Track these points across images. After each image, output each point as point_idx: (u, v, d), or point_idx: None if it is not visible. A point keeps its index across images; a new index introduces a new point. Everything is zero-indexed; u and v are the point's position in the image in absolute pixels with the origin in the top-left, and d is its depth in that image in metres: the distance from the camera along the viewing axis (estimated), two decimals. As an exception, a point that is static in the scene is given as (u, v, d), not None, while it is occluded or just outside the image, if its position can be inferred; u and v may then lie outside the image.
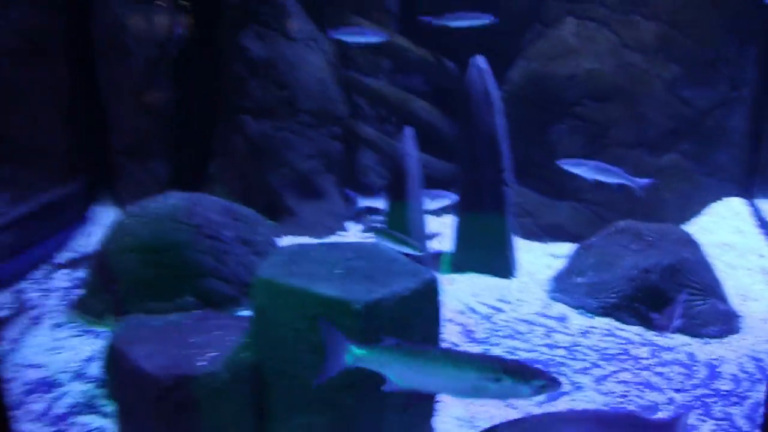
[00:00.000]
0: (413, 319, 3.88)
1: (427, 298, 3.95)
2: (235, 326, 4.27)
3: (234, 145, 7.54)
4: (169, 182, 7.57)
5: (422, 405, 4.07)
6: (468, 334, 5.40)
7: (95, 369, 4.57)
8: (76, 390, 4.35)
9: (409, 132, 6.41)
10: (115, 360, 3.98)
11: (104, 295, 5.32)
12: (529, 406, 4.41)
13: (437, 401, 4.16)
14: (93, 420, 4.07)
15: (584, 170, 6.49)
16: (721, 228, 7.33)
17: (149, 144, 7.69)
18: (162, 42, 7.67)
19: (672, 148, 7.60)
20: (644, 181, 6.31)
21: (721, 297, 5.61)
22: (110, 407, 4.18)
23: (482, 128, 6.47)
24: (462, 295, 6.08)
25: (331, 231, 7.57)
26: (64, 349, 4.85)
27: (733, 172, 7.75)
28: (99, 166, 7.65)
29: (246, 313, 5.51)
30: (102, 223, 7.16)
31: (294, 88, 7.62)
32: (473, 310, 5.83)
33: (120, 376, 3.91)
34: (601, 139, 7.63)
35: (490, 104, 6.45)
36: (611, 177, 6.37)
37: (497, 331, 5.49)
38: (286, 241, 7.17)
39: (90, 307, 5.34)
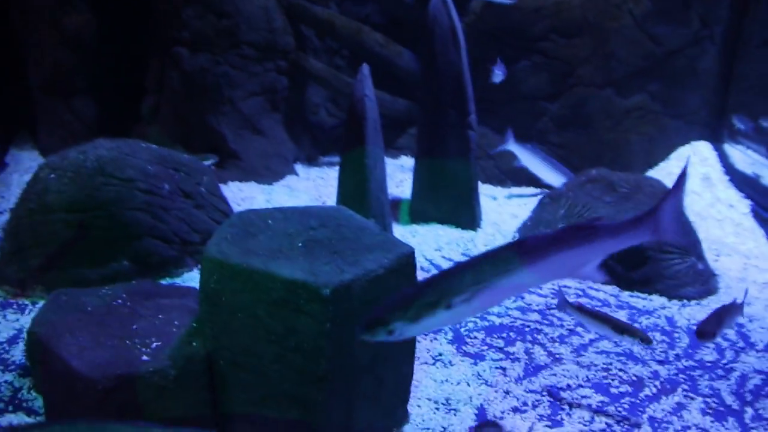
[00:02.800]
0: (388, 300, 3.42)
1: (404, 275, 3.49)
2: (180, 306, 3.73)
3: (168, 81, 6.78)
4: (95, 123, 6.79)
5: (396, 391, 3.67)
6: (434, 296, 4.99)
7: (18, 353, 3.97)
8: (-3, 381, 3.76)
9: (366, 70, 5.80)
10: (40, 354, 3.40)
11: (26, 261, 4.66)
12: (508, 383, 4.06)
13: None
14: (19, 419, 3.51)
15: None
16: (689, 175, 7.04)
17: (71, 79, 6.85)
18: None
19: (640, 89, 7.22)
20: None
21: (699, 255, 5.34)
22: (37, 402, 3.63)
23: (447, 68, 5.91)
24: (426, 249, 5.66)
25: (280, 176, 6.99)
26: (-20, 329, 4.22)
27: (702, 115, 7.45)
28: (15, 105, 6.78)
29: (190, 276, 5.00)
30: (22, 169, 6.39)
31: (235, 16, 6.86)
32: (438, 268, 5.42)
33: (48, 373, 3.35)
34: (567, 78, 7.18)
35: (456, 42, 5.88)
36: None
37: (465, 292, 5.10)
38: (230, 188, 6.57)
39: (9, 275, 4.68)
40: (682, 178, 2.60)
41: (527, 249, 2.50)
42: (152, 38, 6.91)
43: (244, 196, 6.45)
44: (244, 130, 6.94)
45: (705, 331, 3.53)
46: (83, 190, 4.73)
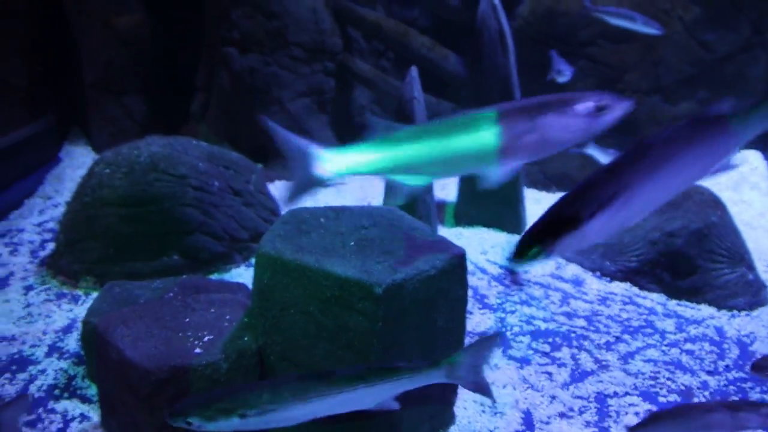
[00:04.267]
0: (438, 301, 3.44)
1: (455, 276, 3.51)
2: (231, 301, 3.79)
3: (218, 80, 6.88)
4: (146, 120, 6.92)
5: (443, 393, 3.68)
6: (480, 299, 5.00)
7: (72, 342, 4.08)
8: (53, 369, 3.86)
9: (414, 72, 5.81)
10: (95, 343, 3.48)
11: (80, 253, 4.77)
12: (555, 388, 4.04)
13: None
14: (73, 406, 3.61)
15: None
16: (738, 184, 6.95)
17: (123, 77, 6.99)
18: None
19: (689, 96, 7.13)
20: None
21: (749, 266, 5.24)
22: (91, 390, 3.72)
23: (495, 71, 5.91)
24: (471, 252, 5.64)
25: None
26: (36, 318, 4.32)
27: (752, 124, 7.31)
28: (70, 101, 6.94)
29: (237, 272, 5.07)
30: (76, 164, 6.54)
31: (284, 17, 6.93)
32: (483, 271, 5.42)
33: (103, 362, 3.42)
34: (615, 84, 7.12)
35: (505, 45, 5.87)
36: None
37: (511, 295, 5.09)
38: (277, 186, 6.63)
39: (64, 266, 4.79)
40: (489, 340, 2.85)
41: (326, 382, 2.76)
42: (203, 38, 7.02)
43: (290, 195, 6.50)
44: (292, 131, 6.96)
45: (761, 365, 3.31)
46: (137, 185, 4.83)
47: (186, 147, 5.21)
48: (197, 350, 3.33)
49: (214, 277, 4.94)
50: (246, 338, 3.44)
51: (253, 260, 5.04)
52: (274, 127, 2.75)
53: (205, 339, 3.42)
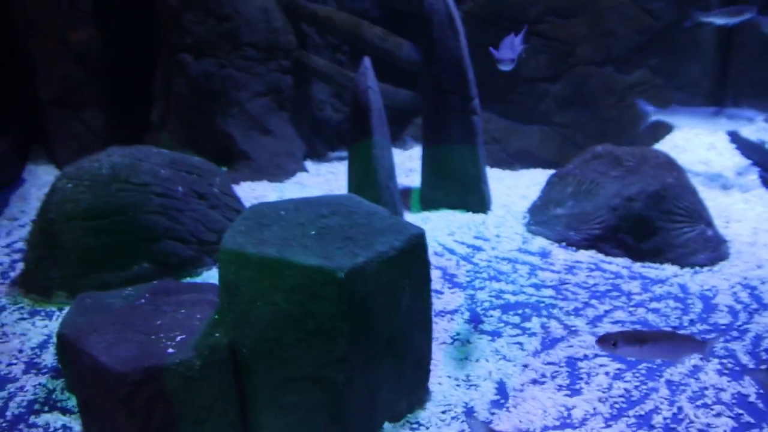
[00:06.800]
0: (401, 281, 3.52)
1: (415, 255, 3.60)
2: (201, 301, 3.84)
3: (175, 87, 6.90)
4: (106, 133, 6.93)
5: (416, 370, 3.76)
6: (450, 278, 5.09)
7: (49, 357, 4.11)
8: (32, 384, 3.89)
9: (368, 62, 5.89)
10: (70, 353, 3.52)
11: (49, 270, 4.79)
12: (526, 356, 4.14)
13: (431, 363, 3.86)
14: (55, 418, 3.64)
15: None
16: (695, 145, 7.10)
17: (81, 92, 7.00)
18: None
19: (641, 64, 7.27)
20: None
21: (708, 222, 5.38)
22: (71, 401, 3.76)
23: (447, 55, 5.99)
24: (438, 234, 5.75)
25: (291, 173, 7.09)
26: (11, 337, 4.35)
27: (704, 86, 7.48)
28: (29, 121, 6.93)
29: (209, 274, 5.11)
30: (40, 183, 6.54)
31: (235, 19, 6.98)
32: (452, 251, 5.51)
33: (78, 371, 3.46)
34: (567, 58, 7.23)
35: (454, 28, 5.96)
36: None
37: (479, 272, 5.19)
38: (243, 188, 6.68)
39: (35, 284, 4.81)
40: None
41: None
42: (157, 46, 7.04)
43: (257, 195, 6.56)
44: (253, 131, 7.05)
45: (606, 338, 3.27)
46: (100, 197, 4.85)
47: (147, 155, 5.24)
48: (170, 350, 3.38)
49: (186, 281, 4.98)
50: (217, 334, 3.50)
51: (222, 261, 5.09)
52: None
53: (178, 339, 3.47)
